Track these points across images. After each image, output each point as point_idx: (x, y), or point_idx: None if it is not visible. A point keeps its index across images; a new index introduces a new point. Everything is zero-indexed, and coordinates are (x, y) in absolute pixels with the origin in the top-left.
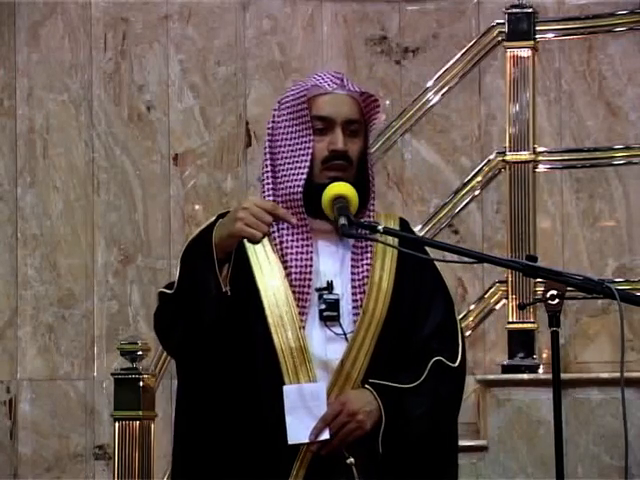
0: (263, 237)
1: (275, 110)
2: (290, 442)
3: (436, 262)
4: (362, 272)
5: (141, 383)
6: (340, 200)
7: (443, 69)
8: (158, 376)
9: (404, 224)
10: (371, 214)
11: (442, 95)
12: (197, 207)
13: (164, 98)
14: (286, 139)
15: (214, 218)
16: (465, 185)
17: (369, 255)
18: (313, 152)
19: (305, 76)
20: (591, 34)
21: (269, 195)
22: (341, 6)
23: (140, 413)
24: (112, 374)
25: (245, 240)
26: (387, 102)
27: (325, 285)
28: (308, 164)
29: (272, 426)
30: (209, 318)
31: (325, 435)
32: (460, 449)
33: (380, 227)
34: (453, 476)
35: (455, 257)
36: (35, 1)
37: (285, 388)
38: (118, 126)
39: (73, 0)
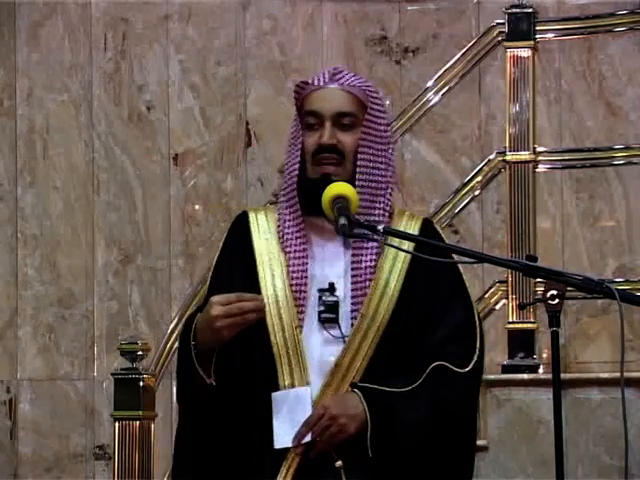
0: (253, 319)
1: None
2: (276, 446)
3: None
4: (364, 274)
5: (141, 383)
6: (340, 200)
7: (443, 69)
8: (158, 376)
9: (427, 225)
10: (378, 211)
11: (442, 95)
12: (197, 207)
13: (164, 98)
14: (289, 137)
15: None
16: (465, 185)
17: (373, 257)
18: (305, 147)
19: (305, 76)
20: (591, 34)
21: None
22: (341, 6)
23: (140, 413)
24: (112, 374)
25: (254, 237)
26: (387, 102)
27: (327, 286)
28: (298, 159)
29: (263, 428)
30: (201, 396)
31: (307, 439)
32: None
33: (380, 227)
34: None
35: (455, 257)
36: (35, 1)
37: (273, 395)
38: (118, 126)
39: (73, 0)
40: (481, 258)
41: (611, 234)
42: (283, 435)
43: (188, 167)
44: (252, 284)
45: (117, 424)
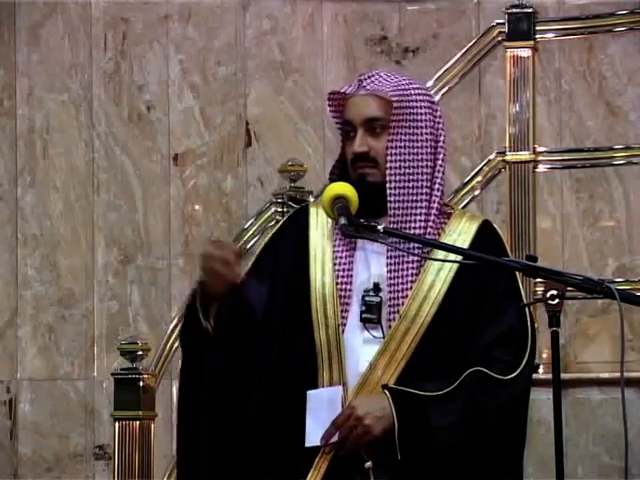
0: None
1: None
2: (306, 444)
3: (438, 262)
4: (405, 276)
5: (141, 383)
6: (340, 200)
7: (443, 69)
8: (158, 376)
9: (484, 226)
10: (420, 209)
11: (442, 95)
12: (197, 207)
13: (164, 98)
14: None
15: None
16: (465, 185)
17: (415, 259)
18: (345, 156)
19: (305, 76)
20: (591, 34)
21: None
22: (341, 6)
23: (140, 413)
24: (112, 374)
25: (311, 230)
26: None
27: (372, 287)
28: (337, 164)
29: (297, 426)
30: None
31: (335, 438)
32: None
33: (380, 227)
34: None
35: (452, 257)
36: (35, 1)
37: (308, 393)
38: (118, 126)
39: (73, 0)
40: (481, 258)
41: (611, 234)
42: (314, 433)
43: (188, 167)
44: (304, 277)
45: (117, 424)
